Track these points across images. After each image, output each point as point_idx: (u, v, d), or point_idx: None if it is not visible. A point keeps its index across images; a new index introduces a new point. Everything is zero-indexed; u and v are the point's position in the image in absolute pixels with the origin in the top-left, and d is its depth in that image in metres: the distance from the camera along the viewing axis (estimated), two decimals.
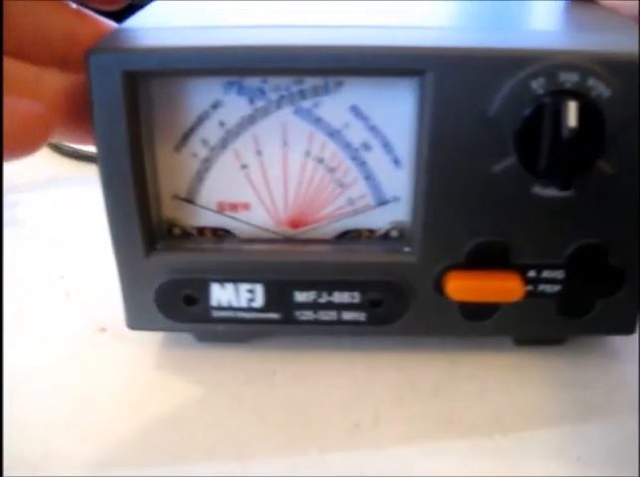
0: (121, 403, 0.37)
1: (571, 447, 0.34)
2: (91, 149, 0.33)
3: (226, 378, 0.39)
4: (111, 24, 0.34)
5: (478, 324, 0.37)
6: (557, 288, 0.36)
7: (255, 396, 0.38)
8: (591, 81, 0.30)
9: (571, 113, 0.30)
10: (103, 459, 0.34)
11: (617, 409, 0.37)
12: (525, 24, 0.38)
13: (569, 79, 0.30)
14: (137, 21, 0.35)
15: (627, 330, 0.38)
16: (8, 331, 0.42)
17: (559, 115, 0.30)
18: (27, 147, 0.27)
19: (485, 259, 0.35)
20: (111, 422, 0.36)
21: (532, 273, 0.35)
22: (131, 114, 0.32)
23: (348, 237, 0.37)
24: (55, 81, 0.32)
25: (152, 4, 0.40)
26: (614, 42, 0.32)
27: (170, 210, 0.36)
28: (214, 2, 0.41)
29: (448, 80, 0.31)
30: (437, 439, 0.35)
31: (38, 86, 0.31)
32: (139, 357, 0.40)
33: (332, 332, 0.38)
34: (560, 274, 0.35)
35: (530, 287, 0.36)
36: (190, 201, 0.36)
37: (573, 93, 0.30)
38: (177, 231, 0.36)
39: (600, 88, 0.30)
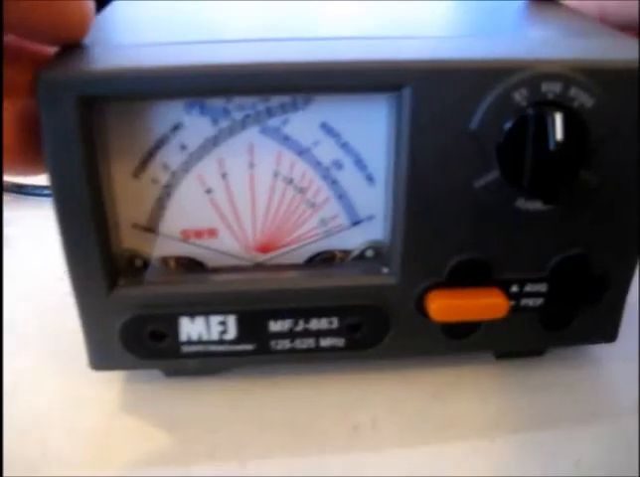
0: (121, 403, 0.37)
1: (571, 450, 0.34)
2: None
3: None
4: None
5: (461, 342, 0.36)
6: (539, 302, 0.35)
7: (256, 397, 0.37)
8: (574, 91, 0.29)
9: (558, 126, 0.28)
10: (103, 459, 0.34)
11: (617, 411, 0.37)
12: (495, 28, 0.37)
13: (552, 89, 0.29)
14: (94, 32, 0.33)
15: (609, 338, 0.37)
16: (8, 331, 0.42)
17: (542, 128, 0.29)
18: None
19: (467, 277, 0.33)
20: (111, 422, 0.36)
21: (514, 288, 0.34)
22: (86, 140, 0.30)
23: (322, 260, 0.35)
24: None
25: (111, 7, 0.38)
26: (594, 49, 0.31)
27: (130, 240, 0.34)
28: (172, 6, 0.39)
29: (427, 95, 0.29)
30: (436, 442, 0.35)
31: None
32: None
33: (309, 359, 0.36)
34: (542, 287, 0.34)
35: (513, 302, 0.34)
36: (151, 230, 0.34)
37: (556, 104, 0.29)
38: (139, 262, 0.34)
39: (583, 98, 0.29)
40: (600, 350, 0.40)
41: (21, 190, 0.57)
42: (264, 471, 0.34)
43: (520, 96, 0.29)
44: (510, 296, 0.34)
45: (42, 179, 0.31)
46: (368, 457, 0.34)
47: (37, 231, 0.52)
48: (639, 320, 0.41)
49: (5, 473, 0.32)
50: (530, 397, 0.37)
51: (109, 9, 0.39)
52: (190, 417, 0.36)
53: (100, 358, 0.35)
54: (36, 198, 0.57)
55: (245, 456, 0.34)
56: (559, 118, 0.28)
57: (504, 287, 0.34)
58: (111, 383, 0.38)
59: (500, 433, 0.35)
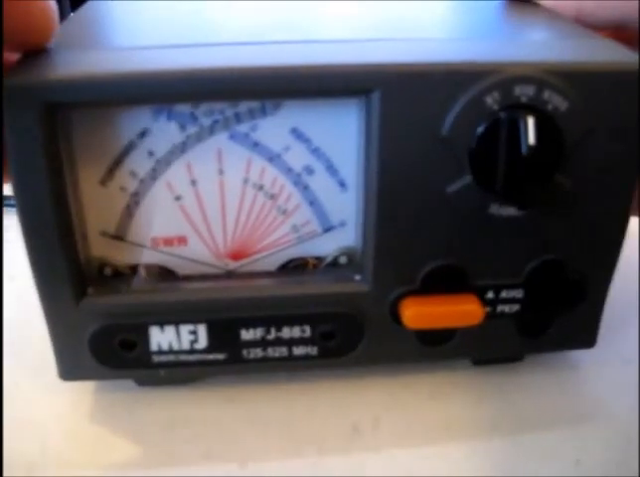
0: (117, 402, 0.37)
1: (570, 450, 0.34)
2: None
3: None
4: None
5: (436, 349, 0.35)
6: (516, 308, 0.34)
7: (255, 397, 0.37)
8: (547, 94, 0.29)
9: (530, 130, 0.28)
10: (101, 460, 0.34)
11: (617, 412, 0.37)
12: (470, 30, 0.36)
13: (525, 92, 0.29)
14: (60, 36, 0.32)
15: (588, 343, 0.37)
16: (8, 331, 0.41)
17: (515, 132, 0.28)
18: None
19: (441, 283, 0.33)
20: (110, 422, 0.36)
21: (490, 294, 0.34)
22: (50, 148, 0.29)
23: (294, 267, 0.34)
24: None
25: (83, 8, 0.37)
26: (569, 50, 0.31)
27: (99, 248, 0.33)
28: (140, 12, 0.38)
29: (397, 99, 0.29)
30: (436, 442, 0.35)
31: None
32: None
33: (282, 368, 0.36)
34: (518, 293, 0.34)
35: (488, 309, 0.34)
36: (120, 238, 0.33)
37: (529, 108, 0.29)
38: (108, 270, 0.33)
39: (557, 101, 0.29)
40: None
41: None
42: (264, 472, 0.34)
43: (492, 100, 0.29)
44: (485, 303, 0.34)
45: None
46: (367, 458, 0.34)
47: None
48: (639, 321, 0.41)
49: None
50: (525, 397, 0.37)
51: (83, 9, 0.39)
52: (190, 418, 0.36)
53: (70, 368, 0.34)
54: None
55: (245, 457, 0.34)
56: (531, 122, 0.28)
57: (479, 294, 0.33)
58: (106, 385, 0.38)
59: (498, 434, 0.35)
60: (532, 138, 0.28)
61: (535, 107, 0.29)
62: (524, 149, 0.28)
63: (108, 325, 0.33)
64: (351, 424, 0.36)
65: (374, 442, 0.35)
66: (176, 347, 0.34)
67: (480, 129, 0.29)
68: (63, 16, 0.32)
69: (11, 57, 0.30)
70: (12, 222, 0.53)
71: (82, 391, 0.37)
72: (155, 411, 0.36)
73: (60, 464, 0.34)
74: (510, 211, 0.31)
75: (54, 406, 0.37)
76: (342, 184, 0.32)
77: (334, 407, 0.37)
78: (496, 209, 0.31)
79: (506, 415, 0.36)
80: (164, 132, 0.31)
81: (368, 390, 0.38)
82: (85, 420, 0.36)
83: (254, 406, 0.37)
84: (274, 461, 0.34)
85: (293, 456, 0.34)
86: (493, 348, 0.36)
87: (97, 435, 0.35)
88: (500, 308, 0.34)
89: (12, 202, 0.53)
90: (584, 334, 0.36)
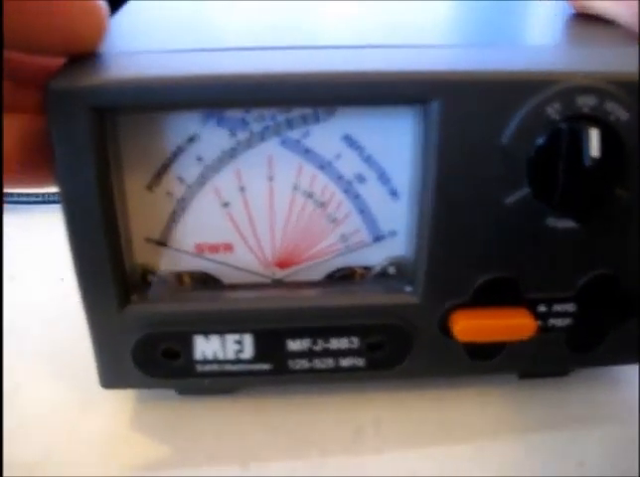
0: (120, 403, 0.37)
1: (574, 451, 0.34)
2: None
3: None
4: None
5: (485, 363, 0.34)
6: (567, 322, 0.33)
7: (257, 398, 0.37)
8: (609, 105, 0.28)
9: (594, 141, 0.27)
10: (102, 460, 0.34)
11: (618, 412, 0.36)
12: (529, 37, 0.35)
13: (587, 102, 0.28)
14: (107, 38, 0.31)
15: (635, 359, 0.36)
16: (8, 332, 0.41)
17: (577, 143, 0.27)
18: None
19: (493, 296, 0.32)
20: (111, 422, 0.36)
21: (542, 308, 0.33)
22: (98, 153, 0.28)
23: (342, 276, 0.34)
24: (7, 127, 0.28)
25: (126, 8, 0.37)
26: (630, 60, 0.30)
27: (143, 254, 0.32)
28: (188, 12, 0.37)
29: (456, 109, 0.28)
30: (438, 443, 0.35)
31: None
32: None
33: (328, 380, 0.35)
34: (571, 307, 0.33)
35: (539, 322, 0.33)
36: (165, 244, 0.32)
37: (591, 118, 0.28)
38: (152, 277, 0.33)
39: (618, 112, 0.28)
40: None
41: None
42: (266, 473, 0.33)
43: (553, 110, 0.28)
44: (537, 316, 0.33)
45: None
46: (370, 460, 0.34)
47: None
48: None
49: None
50: (531, 397, 0.37)
51: (124, 10, 0.38)
52: (191, 419, 0.36)
53: (112, 376, 0.34)
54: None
55: (247, 458, 0.34)
56: (595, 133, 0.27)
57: (531, 307, 0.33)
58: None
59: (501, 436, 0.35)
60: (595, 150, 0.27)
61: (597, 118, 0.28)
62: (586, 161, 0.27)
63: (152, 333, 0.32)
64: (353, 426, 0.36)
65: (376, 444, 0.35)
66: (221, 356, 0.33)
67: (540, 140, 0.28)
68: None
69: (52, 61, 0.29)
70: (11, 219, 0.54)
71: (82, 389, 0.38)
72: (156, 411, 0.36)
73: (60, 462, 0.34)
74: (567, 223, 0.30)
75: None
76: (393, 193, 0.32)
77: (336, 409, 0.37)
78: (553, 221, 0.30)
79: (509, 417, 0.36)
80: (213, 138, 0.30)
81: (370, 391, 0.38)
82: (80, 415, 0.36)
83: (257, 407, 0.37)
84: (276, 462, 0.34)
85: (295, 457, 0.34)
86: (541, 362, 0.35)
87: (98, 435, 0.35)
88: (551, 322, 0.33)
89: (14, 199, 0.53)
90: (632, 349, 0.35)
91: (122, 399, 0.37)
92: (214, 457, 0.34)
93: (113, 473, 0.33)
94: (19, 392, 0.37)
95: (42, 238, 0.50)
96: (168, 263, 0.33)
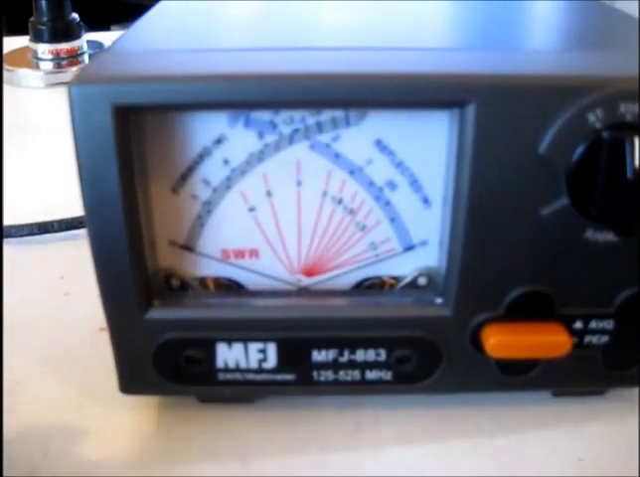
0: (121, 403, 0.36)
1: (572, 448, 0.34)
2: None
3: None
4: None
5: (516, 379, 0.33)
6: (604, 339, 0.32)
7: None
8: None
9: (637, 152, 0.26)
10: (102, 459, 0.33)
11: (617, 411, 0.36)
12: (569, 41, 0.34)
13: (630, 110, 0.26)
14: (133, 36, 0.31)
15: None
16: (8, 331, 0.41)
17: (619, 153, 0.26)
18: None
19: (527, 311, 0.31)
20: (110, 422, 0.35)
21: (578, 324, 0.31)
22: (122, 153, 0.28)
23: (370, 286, 0.32)
24: None
25: (156, 8, 0.36)
26: None
27: (167, 258, 0.32)
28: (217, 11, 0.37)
29: (493, 113, 0.27)
30: (437, 441, 0.34)
31: None
32: None
33: (353, 392, 0.34)
34: (608, 324, 0.32)
35: (575, 339, 0.32)
36: (189, 248, 0.31)
37: (635, 127, 0.26)
38: (175, 282, 0.32)
39: None
40: None
41: None
42: (265, 470, 0.33)
43: (594, 118, 0.27)
44: (573, 333, 0.31)
45: None
46: (369, 456, 0.33)
47: None
48: None
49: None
50: (530, 394, 0.36)
51: (155, 9, 0.37)
52: (190, 415, 0.35)
53: (131, 382, 0.33)
54: None
55: (246, 455, 0.33)
56: (638, 143, 0.26)
57: (567, 323, 0.31)
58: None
59: (500, 433, 0.34)
60: (639, 161, 0.26)
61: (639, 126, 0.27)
62: (629, 173, 0.26)
63: (174, 339, 0.31)
64: (353, 423, 0.35)
65: (375, 441, 0.34)
66: (243, 365, 0.32)
67: (580, 149, 0.27)
68: None
69: None
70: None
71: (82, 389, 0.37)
72: (153, 408, 0.36)
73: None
74: (607, 237, 0.29)
75: None
76: (426, 200, 0.30)
77: (336, 406, 0.36)
78: (592, 234, 0.29)
79: (508, 414, 0.35)
80: (241, 140, 0.29)
81: None
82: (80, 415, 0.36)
83: (256, 404, 0.36)
84: (276, 459, 0.33)
85: (295, 454, 0.34)
86: (576, 380, 0.34)
87: (95, 433, 0.35)
88: (587, 339, 0.32)
89: None
90: None
91: (121, 399, 0.36)
92: (213, 454, 0.33)
93: (113, 472, 0.33)
94: (19, 392, 0.37)
95: (42, 237, 0.49)
96: (192, 268, 0.32)
